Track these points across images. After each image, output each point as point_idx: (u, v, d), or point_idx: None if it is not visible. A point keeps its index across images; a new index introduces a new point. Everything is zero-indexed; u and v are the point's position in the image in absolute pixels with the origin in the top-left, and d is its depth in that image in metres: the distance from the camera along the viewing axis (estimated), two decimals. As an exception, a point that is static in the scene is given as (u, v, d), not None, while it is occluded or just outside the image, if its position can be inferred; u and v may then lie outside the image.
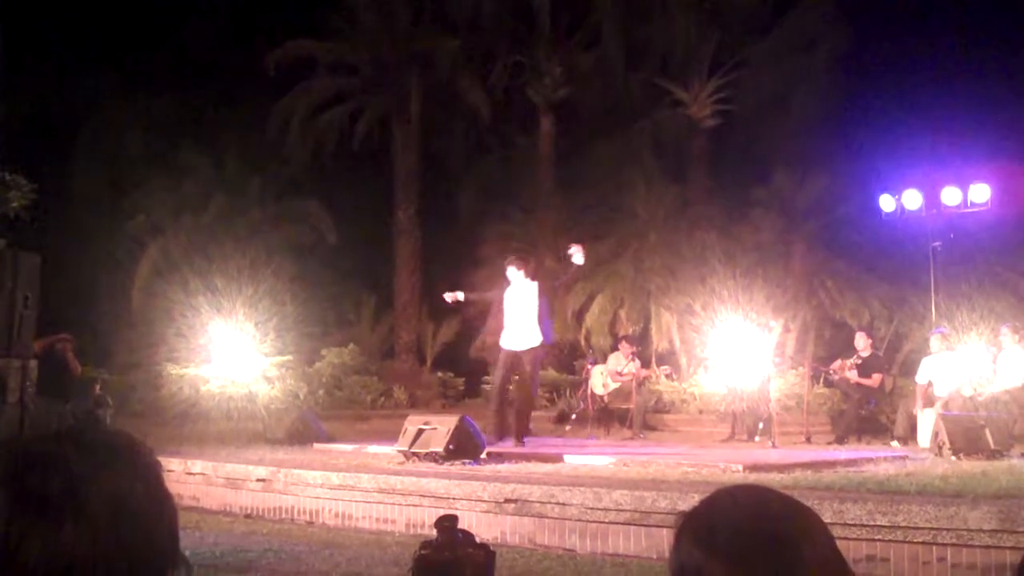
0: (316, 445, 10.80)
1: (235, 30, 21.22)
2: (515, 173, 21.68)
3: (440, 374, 20.32)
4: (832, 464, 8.34)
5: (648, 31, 20.93)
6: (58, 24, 20.16)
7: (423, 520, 7.13)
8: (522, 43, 21.78)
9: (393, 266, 21.46)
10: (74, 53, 20.23)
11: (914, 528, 5.43)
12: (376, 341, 21.17)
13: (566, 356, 19.16)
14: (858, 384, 12.64)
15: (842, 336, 16.52)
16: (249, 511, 8.41)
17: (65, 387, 11.28)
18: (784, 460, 8.60)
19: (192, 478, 8.98)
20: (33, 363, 8.40)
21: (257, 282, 16.23)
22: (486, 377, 18.54)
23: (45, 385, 9.42)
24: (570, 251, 10.27)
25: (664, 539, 5.88)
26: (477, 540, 1.81)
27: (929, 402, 11.65)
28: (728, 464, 8.05)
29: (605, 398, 13.97)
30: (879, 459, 8.71)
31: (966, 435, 8.95)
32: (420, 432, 8.78)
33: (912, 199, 15.08)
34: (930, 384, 11.88)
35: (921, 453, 9.66)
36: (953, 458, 8.63)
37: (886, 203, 15.50)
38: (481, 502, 6.98)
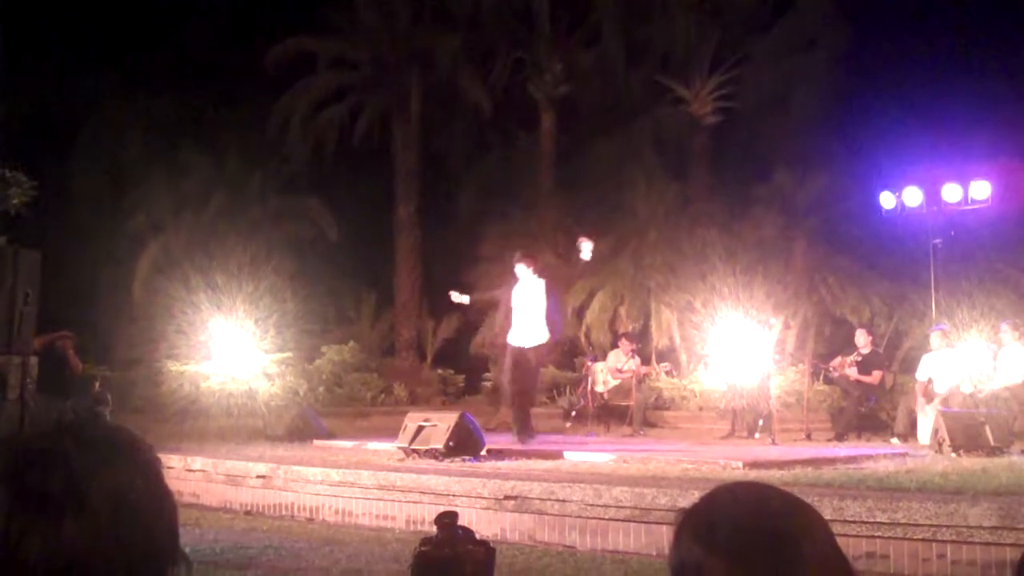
0: (316, 442, 10.81)
1: (235, 30, 21.22)
2: (515, 171, 21.65)
3: (440, 371, 20.32)
4: (832, 461, 8.35)
5: (648, 30, 20.92)
6: (58, 24, 20.15)
7: (423, 517, 7.13)
8: (522, 41, 21.76)
9: (393, 263, 21.46)
10: (74, 53, 20.24)
11: (914, 525, 5.43)
12: (376, 338, 21.18)
13: (566, 353, 19.16)
14: (858, 381, 12.64)
15: (842, 333, 16.51)
16: (249, 508, 8.42)
17: (65, 384, 11.28)
18: (784, 457, 8.61)
19: (192, 475, 8.99)
20: (33, 360, 8.38)
21: (257, 279, 16.21)
22: (486, 374, 18.54)
23: (45, 382, 9.41)
24: (580, 244, 10.25)
25: (664, 536, 5.88)
26: (477, 537, 1.81)
27: (929, 399, 11.66)
28: (728, 461, 8.06)
29: (605, 395, 13.96)
30: (879, 456, 8.73)
31: (966, 432, 8.96)
32: (420, 429, 8.79)
33: (913, 196, 15.07)
34: (930, 381, 11.89)
35: (921, 450, 9.67)
36: (953, 455, 8.65)
37: (887, 200, 15.49)
38: (481, 499, 6.99)
